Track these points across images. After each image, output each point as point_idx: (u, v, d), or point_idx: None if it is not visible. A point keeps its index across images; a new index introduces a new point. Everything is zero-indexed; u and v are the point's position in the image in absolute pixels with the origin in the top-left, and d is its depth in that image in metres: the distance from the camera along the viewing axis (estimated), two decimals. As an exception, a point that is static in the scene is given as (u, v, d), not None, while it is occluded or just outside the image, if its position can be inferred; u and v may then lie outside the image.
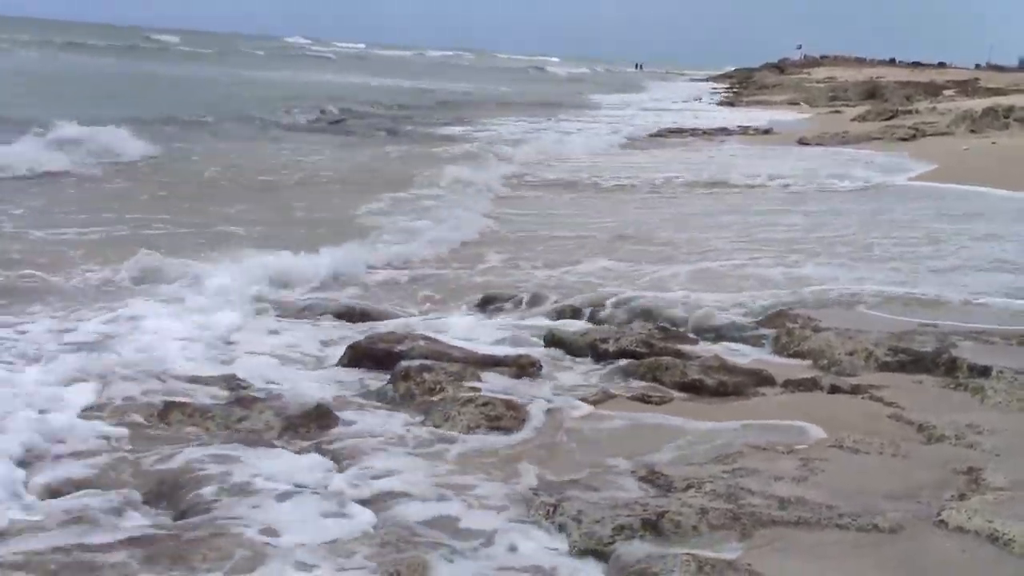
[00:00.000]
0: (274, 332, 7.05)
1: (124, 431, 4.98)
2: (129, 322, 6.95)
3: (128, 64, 49.88)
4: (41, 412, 5.09)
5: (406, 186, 14.48)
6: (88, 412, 5.19)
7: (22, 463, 4.56)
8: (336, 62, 76.80)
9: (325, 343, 6.83)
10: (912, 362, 6.25)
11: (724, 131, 28.67)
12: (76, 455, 4.70)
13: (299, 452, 4.86)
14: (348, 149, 20.13)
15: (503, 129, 27.26)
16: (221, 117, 23.78)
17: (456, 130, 25.96)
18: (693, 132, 28.28)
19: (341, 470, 4.65)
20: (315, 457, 4.78)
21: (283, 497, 4.33)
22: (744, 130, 28.97)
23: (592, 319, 7.45)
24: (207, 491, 4.36)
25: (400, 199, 13.35)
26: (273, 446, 4.91)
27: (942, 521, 4.02)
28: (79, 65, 45.14)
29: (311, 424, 5.17)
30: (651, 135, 27.07)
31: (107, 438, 4.90)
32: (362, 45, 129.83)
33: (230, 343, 6.74)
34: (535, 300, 7.91)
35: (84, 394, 5.43)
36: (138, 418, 5.16)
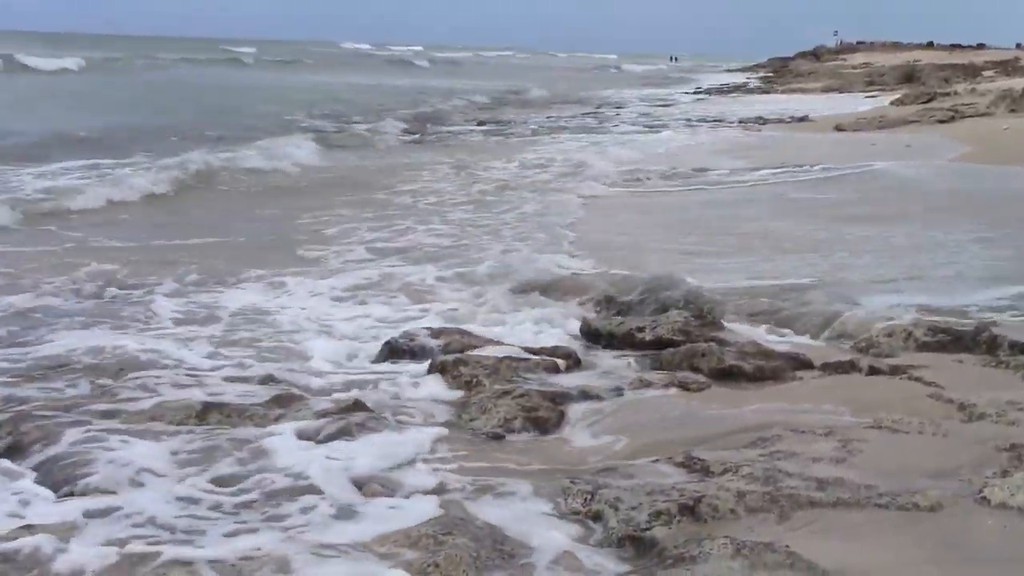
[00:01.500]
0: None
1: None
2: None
3: (250, 75, 52.99)
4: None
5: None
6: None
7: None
8: (433, 68, 77.84)
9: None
10: (952, 341, 6.19)
11: (760, 120, 28.50)
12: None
13: (335, 448, 4.89)
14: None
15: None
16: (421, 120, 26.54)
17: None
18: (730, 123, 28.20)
19: (378, 467, 4.66)
20: (352, 454, 4.80)
21: (318, 495, 4.36)
22: (780, 118, 28.80)
23: (628, 308, 7.42)
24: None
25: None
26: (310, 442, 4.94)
27: (984, 498, 3.98)
28: (217, 77, 47.53)
29: (349, 420, 5.18)
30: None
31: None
32: (419, 47, 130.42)
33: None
34: (574, 291, 7.91)
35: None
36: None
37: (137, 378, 5.86)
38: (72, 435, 4.91)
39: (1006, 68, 48.63)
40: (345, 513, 4.18)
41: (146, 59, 59.36)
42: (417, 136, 23.92)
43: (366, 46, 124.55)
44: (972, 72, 46.88)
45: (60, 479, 4.49)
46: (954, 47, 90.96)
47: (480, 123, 27.78)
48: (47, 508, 4.24)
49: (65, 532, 3.92)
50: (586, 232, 11.03)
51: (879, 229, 10.56)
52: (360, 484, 4.43)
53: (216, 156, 16.77)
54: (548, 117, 31.08)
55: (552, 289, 7.98)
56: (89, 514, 4.11)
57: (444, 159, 18.29)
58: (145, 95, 33.96)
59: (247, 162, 16.74)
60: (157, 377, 5.90)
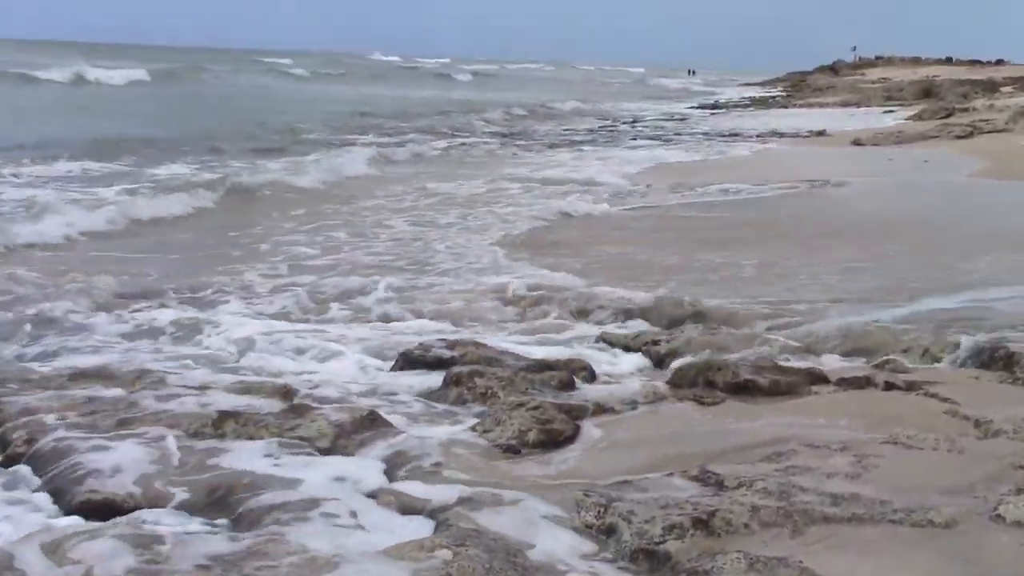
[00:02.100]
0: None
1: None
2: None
3: (308, 87, 55.86)
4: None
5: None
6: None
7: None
8: (474, 80, 79.67)
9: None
10: (969, 358, 6.17)
11: (776, 134, 28.49)
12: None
13: (351, 460, 4.91)
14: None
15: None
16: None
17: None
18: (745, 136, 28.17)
19: (392, 479, 4.68)
20: (366, 465, 4.82)
21: (333, 506, 4.37)
22: (798, 132, 28.78)
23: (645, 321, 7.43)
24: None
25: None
26: (324, 454, 4.96)
27: (999, 515, 3.96)
28: (283, 90, 50.93)
29: (364, 431, 5.20)
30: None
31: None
32: (447, 60, 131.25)
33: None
34: (588, 304, 7.92)
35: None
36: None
37: (153, 387, 5.89)
38: (82, 445, 4.93)
39: (1024, 84, 48.50)
40: (357, 524, 4.19)
41: (203, 71, 60.90)
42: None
43: (396, 58, 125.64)
44: (991, 88, 46.77)
45: (68, 492, 4.51)
46: (973, 63, 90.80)
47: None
48: (54, 521, 4.28)
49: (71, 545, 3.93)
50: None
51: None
52: (373, 495, 4.44)
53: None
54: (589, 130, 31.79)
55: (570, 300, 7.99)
56: (99, 531, 4.14)
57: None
58: (224, 104, 36.69)
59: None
60: (173, 386, 5.93)
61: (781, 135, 28.06)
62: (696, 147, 25.00)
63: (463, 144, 25.43)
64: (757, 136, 28.21)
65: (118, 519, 4.21)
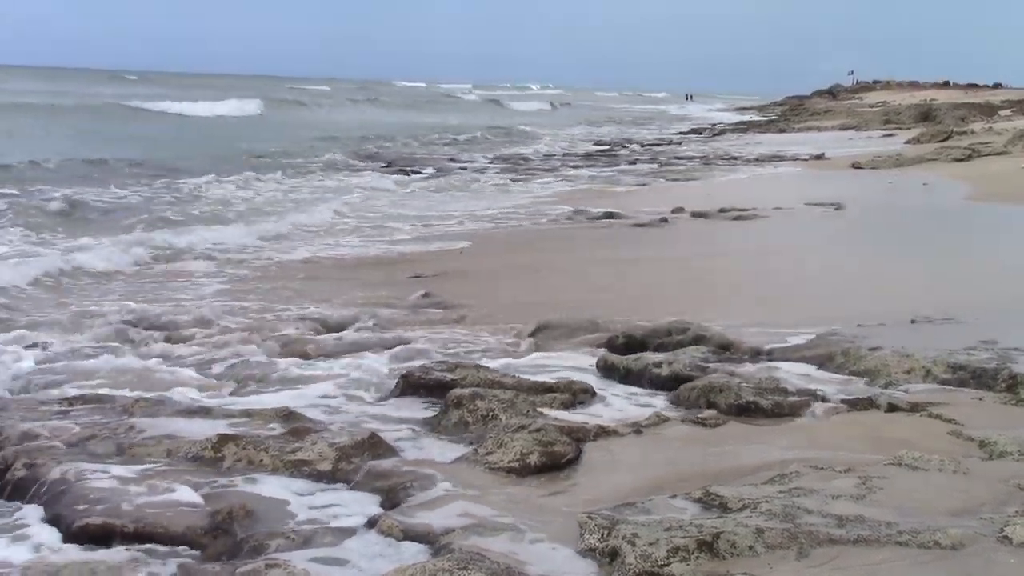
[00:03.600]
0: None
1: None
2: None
3: (392, 113, 61.10)
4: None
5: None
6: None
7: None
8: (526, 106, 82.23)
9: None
10: (972, 379, 6.15)
11: (777, 157, 28.52)
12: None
13: (352, 483, 4.88)
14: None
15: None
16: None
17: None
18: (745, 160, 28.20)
19: (394, 502, 4.65)
20: (367, 489, 4.80)
21: (335, 532, 4.36)
22: (796, 156, 28.80)
23: (646, 345, 7.40)
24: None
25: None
26: (325, 478, 4.94)
27: (1006, 537, 3.92)
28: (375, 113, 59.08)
29: (364, 454, 5.17)
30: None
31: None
32: (468, 84, 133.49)
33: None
34: (589, 327, 7.89)
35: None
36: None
37: (154, 410, 5.87)
38: (82, 472, 4.90)
39: (1022, 107, 48.58)
40: (361, 548, 4.17)
41: (291, 101, 65.38)
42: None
43: (421, 84, 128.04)
44: (989, 111, 46.81)
45: (69, 518, 4.48)
46: (970, 86, 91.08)
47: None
48: (55, 550, 4.25)
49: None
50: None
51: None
52: (374, 520, 4.41)
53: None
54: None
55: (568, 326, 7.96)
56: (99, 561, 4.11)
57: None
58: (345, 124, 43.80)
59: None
60: (173, 409, 5.91)
61: (780, 159, 28.08)
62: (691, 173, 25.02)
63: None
64: (756, 160, 28.23)
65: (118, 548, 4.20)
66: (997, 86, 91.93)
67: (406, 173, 24.72)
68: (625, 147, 37.45)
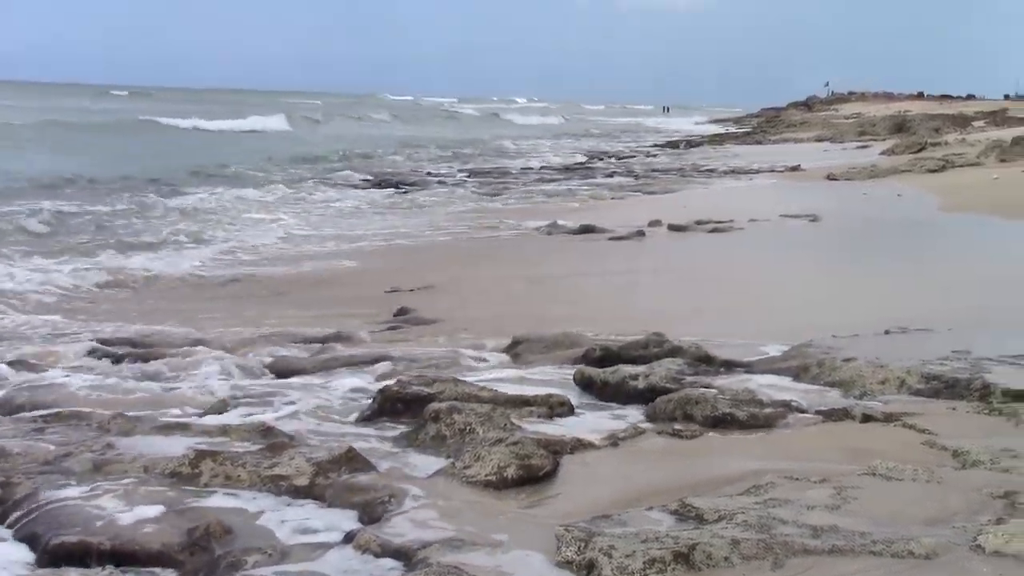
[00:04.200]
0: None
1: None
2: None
3: (401, 128, 63.42)
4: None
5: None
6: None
7: None
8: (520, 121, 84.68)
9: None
10: (945, 389, 6.19)
11: (753, 169, 28.65)
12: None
13: (329, 499, 4.88)
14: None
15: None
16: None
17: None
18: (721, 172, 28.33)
19: (371, 517, 4.65)
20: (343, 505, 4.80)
21: (312, 548, 4.36)
22: (772, 167, 28.94)
23: (623, 358, 7.42)
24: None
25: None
26: (303, 494, 4.94)
27: (979, 546, 3.95)
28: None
29: (342, 469, 5.17)
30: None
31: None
32: (454, 99, 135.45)
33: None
34: (566, 340, 7.90)
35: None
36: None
37: (130, 427, 5.86)
38: (58, 490, 4.89)
39: (995, 119, 49.01)
40: (338, 564, 4.17)
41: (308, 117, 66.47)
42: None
43: (408, 98, 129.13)
44: (962, 122, 47.17)
45: (44, 537, 4.46)
46: (944, 98, 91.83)
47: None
48: (30, 570, 4.23)
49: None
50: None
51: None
52: (352, 536, 4.41)
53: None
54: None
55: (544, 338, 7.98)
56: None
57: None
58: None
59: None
60: (150, 425, 5.90)
61: (757, 170, 28.22)
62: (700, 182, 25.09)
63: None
64: (732, 172, 28.36)
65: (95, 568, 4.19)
66: (970, 97, 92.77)
67: (391, 187, 24.97)
68: (602, 159, 37.57)
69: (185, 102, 76.62)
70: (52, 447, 5.55)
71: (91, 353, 8.08)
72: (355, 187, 25.13)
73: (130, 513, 4.64)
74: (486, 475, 5.04)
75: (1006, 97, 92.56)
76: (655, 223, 15.83)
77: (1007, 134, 30.24)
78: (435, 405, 5.94)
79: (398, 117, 75.04)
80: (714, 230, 15.21)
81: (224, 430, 5.85)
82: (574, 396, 6.49)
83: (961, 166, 24.05)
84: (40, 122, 43.19)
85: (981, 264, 11.42)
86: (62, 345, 8.41)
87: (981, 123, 47.05)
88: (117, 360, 7.91)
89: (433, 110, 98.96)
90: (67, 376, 7.37)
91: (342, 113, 75.23)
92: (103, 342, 8.43)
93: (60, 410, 6.36)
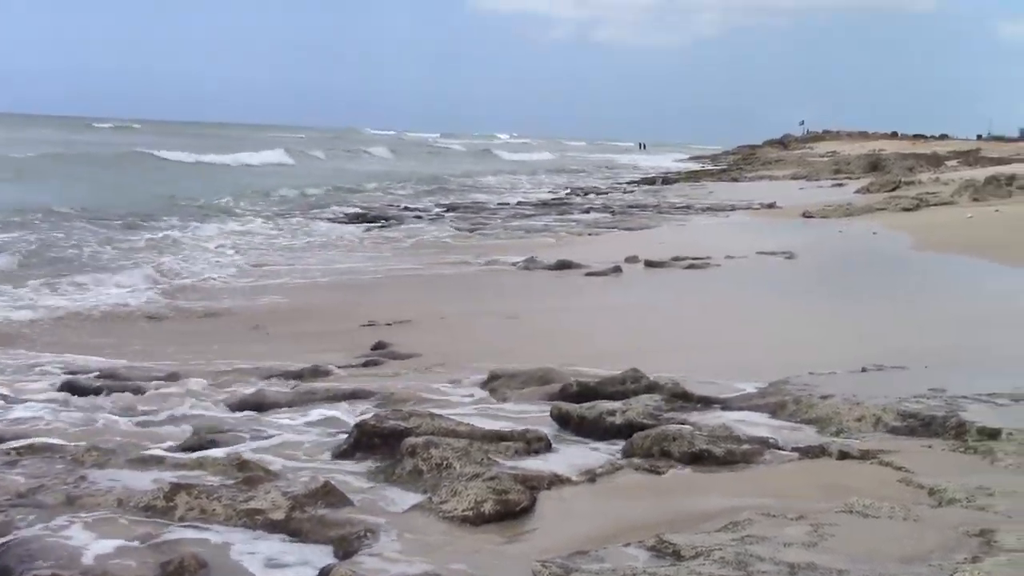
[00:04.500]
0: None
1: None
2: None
3: (401, 163, 64.71)
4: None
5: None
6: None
7: None
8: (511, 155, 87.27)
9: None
10: (921, 426, 6.22)
11: (729, 206, 28.81)
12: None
13: (305, 533, 4.85)
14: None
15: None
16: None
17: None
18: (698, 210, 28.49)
19: (347, 552, 4.63)
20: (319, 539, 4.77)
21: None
22: (749, 204, 29.10)
23: (600, 394, 7.42)
24: None
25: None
26: (279, 528, 4.91)
27: (955, 583, 3.97)
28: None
29: (318, 503, 5.14)
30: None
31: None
32: (437, 134, 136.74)
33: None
34: (543, 376, 7.90)
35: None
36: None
37: (104, 460, 5.81)
38: (31, 523, 4.84)
39: (968, 158, 49.50)
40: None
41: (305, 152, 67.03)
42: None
43: (390, 132, 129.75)
44: (936, 162, 47.61)
45: (17, 572, 4.41)
46: (918, 137, 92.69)
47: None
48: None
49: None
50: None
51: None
52: (327, 571, 4.38)
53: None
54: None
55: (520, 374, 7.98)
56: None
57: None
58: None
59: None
60: (124, 458, 5.86)
61: (733, 207, 28.37)
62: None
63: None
64: (708, 208, 28.52)
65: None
66: (944, 137, 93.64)
67: (368, 221, 25.07)
68: (579, 195, 37.72)
69: (173, 135, 77.21)
70: (25, 480, 5.50)
71: (63, 386, 8.02)
72: (333, 221, 25.12)
73: (103, 547, 4.60)
74: (463, 510, 5.02)
75: (979, 137, 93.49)
76: (632, 259, 15.86)
77: (980, 174, 30.54)
78: (412, 440, 5.93)
79: (396, 152, 76.42)
80: (691, 266, 15.26)
81: (199, 463, 5.82)
82: (551, 431, 6.48)
83: (935, 205, 24.26)
84: (39, 156, 43.06)
85: (956, 302, 11.50)
86: (33, 378, 8.35)
87: (954, 163, 47.50)
88: (89, 393, 7.85)
89: (425, 146, 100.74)
90: (39, 409, 7.32)
91: (334, 148, 76.14)
92: (74, 374, 8.37)
93: (33, 442, 6.30)
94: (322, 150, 69.15)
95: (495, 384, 7.88)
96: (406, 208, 29.81)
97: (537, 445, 6.14)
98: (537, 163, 75.09)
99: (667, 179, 50.44)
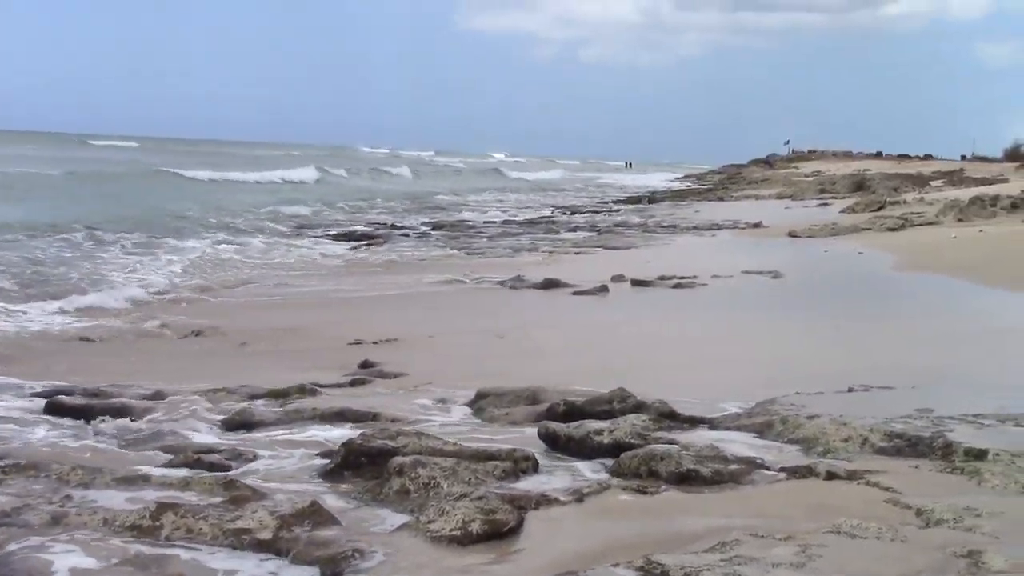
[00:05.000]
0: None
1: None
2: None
3: (421, 184, 65.03)
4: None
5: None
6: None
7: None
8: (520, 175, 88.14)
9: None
10: (908, 447, 6.23)
11: (716, 225, 28.87)
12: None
13: (292, 553, 4.84)
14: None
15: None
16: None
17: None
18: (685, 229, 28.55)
19: (334, 572, 4.62)
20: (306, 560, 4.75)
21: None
22: (735, 224, 29.17)
23: (587, 413, 7.41)
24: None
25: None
26: (266, 548, 4.89)
27: (943, 604, 3.97)
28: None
29: (306, 523, 5.12)
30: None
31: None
32: (432, 152, 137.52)
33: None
34: (530, 395, 7.89)
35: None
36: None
37: (90, 479, 5.78)
38: (15, 543, 4.81)
39: (952, 178, 49.75)
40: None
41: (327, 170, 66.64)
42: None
43: (384, 151, 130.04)
44: (920, 182, 47.89)
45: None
46: (902, 157, 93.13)
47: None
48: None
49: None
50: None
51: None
52: (315, 589, 4.38)
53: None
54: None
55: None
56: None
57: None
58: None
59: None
60: (110, 477, 5.83)
61: (719, 226, 28.43)
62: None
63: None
64: (695, 228, 28.58)
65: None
66: (928, 157, 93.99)
67: (354, 240, 25.10)
68: (566, 214, 37.78)
69: (180, 154, 77.39)
70: (9, 499, 5.47)
71: (48, 406, 7.97)
72: (320, 239, 25.12)
73: (88, 566, 4.58)
74: (450, 530, 5.01)
75: (963, 157, 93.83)
76: (618, 278, 15.88)
77: (964, 194, 30.74)
78: (399, 459, 5.91)
79: (417, 173, 76.58)
80: (677, 285, 15.28)
81: (186, 483, 5.79)
82: (538, 451, 6.47)
83: (920, 225, 24.39)
84: (63, 173, 43.02)
85: (940, 323, 11.55)
86: (12, 397, 8.31)
87: (939, 183, 47.76)
88: (74, 412, 7.81)
89: (430, 164, 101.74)
90: (24, 428, 7.29)
91: (355, 167, 76.03)
92: (59, 393, 8.32)
93: (18, 461, 6.26)
94: (343, 169, 69.22)
95: (482, 403, 7.87)
96: (393, 226, 29.86)
97: (525, 465, 6.13)
98: (547, 182, 77.38)
99: (652, 198, 50.48)
